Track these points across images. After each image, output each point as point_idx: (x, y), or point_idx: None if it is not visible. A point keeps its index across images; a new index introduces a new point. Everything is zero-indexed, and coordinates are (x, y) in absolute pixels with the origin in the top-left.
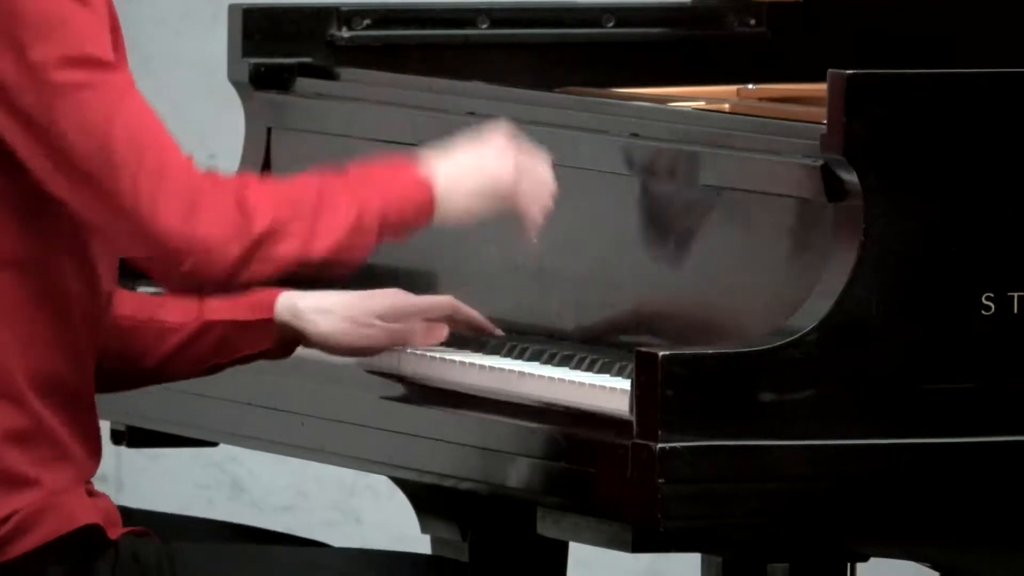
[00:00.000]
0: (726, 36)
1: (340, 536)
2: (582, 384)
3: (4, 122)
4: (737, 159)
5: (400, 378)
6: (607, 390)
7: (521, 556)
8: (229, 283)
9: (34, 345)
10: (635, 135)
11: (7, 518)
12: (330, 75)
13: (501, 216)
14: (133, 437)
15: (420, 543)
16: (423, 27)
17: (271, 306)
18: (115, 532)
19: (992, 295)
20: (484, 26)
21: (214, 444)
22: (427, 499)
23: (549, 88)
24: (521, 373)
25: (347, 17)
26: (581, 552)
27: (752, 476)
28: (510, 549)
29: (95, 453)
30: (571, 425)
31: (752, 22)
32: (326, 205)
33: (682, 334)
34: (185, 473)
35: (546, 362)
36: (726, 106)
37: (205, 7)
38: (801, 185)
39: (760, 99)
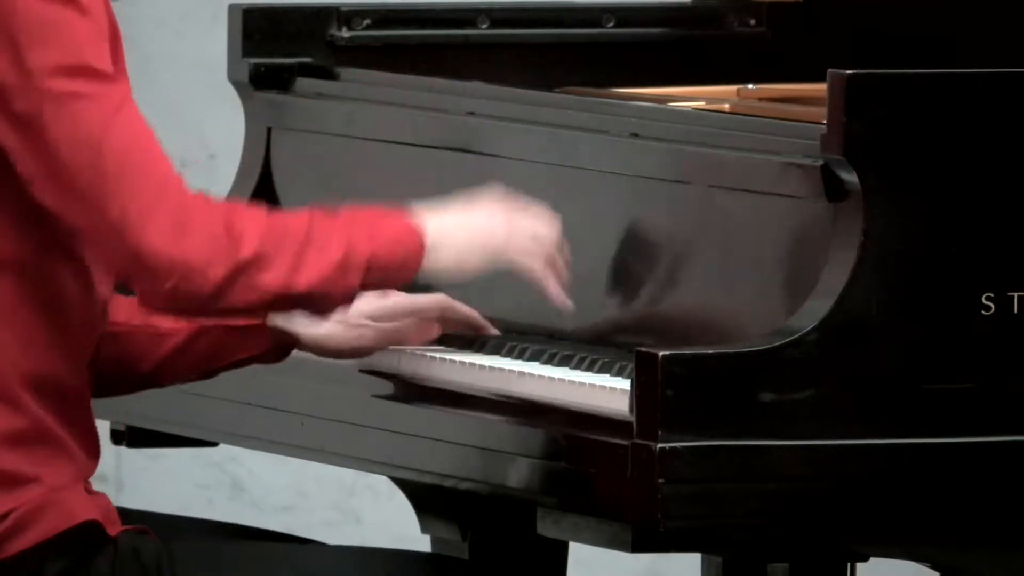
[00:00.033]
0: (726, 36)
1: (340, 536)
2: (582, 384)
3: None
4: (737, 159)
5: (400, 378)
6: (607, 390)
7: (521, 556)
8: (211, 306)
9: (32, 347)
10: (635, 135)
11: (6, 515)
12: (330, 75)
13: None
14: (133, 437)
15: (420, 543)
16: (423, 27)
17: None
18: (114, 529)
19: (992, 295)
20: (484, 26)
21: (214, 444)
22: (427, 499)
23: (549, 88)
24: (521, 373)
25: (347, 17)
26: (581, 552)
27: (752, 476)
28: (510, 549)
29: (94, 452)
30: (571, 425)
31: (752, 22)
32: (315, 239)
33: (682, 334)
34: (185, 473)
35: (546, 362)
36: (726, 106)
37: (205, 7)
38: (801, 185)
39: (760, 99)
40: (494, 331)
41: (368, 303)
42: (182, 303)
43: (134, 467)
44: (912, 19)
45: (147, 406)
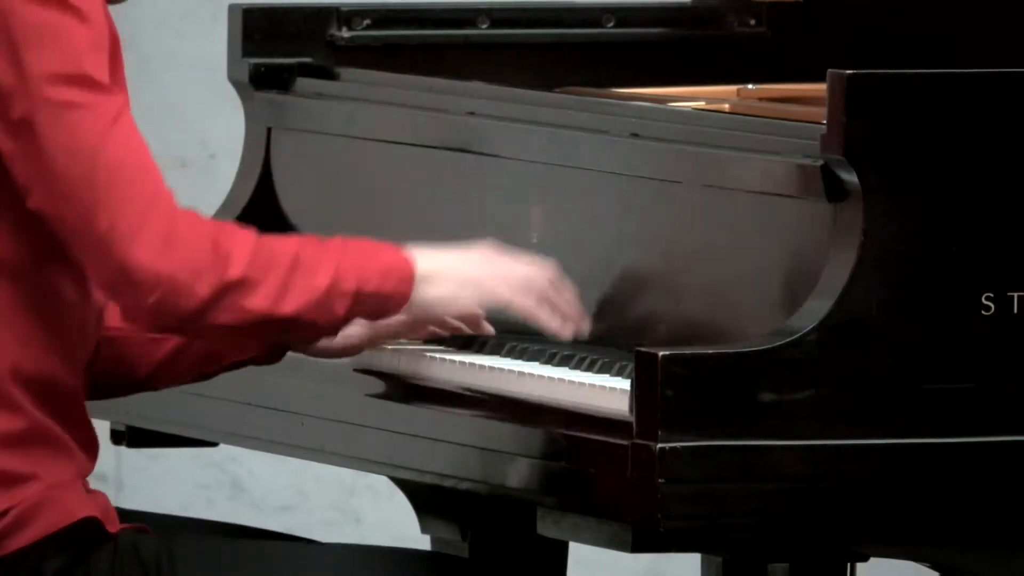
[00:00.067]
0: (726, 36)
1: (340, 536)
2: (582, 384)
3: None
4: (737, 159)
5: (400, 378)
6: (607, 390)
7: (521, 556)
8: (193, 323)
9: (30, 350)
10: (635, 135)
11: (5, 512)
12: (330, 75)
13: (501, 216)
14: (133, 437)
15: (420, 543)
16: (423, 27)
17: None
18: (113, 527)
19: (992, 295)
20: (484, 26)
21: (214, 444)
22: (427, 499)
23: (549, 88)
24: (521, 373)
25: (347, 17)
26: (581, 552)
27: (752, 476)
28: (510, 549)
29: (92, 451)
30: (571, 425)
31: (752, 22)
32: (302, 265)
33: (682, 334)
34: (185, 473)
35: (546, 362)
36: (726, 106)
37: (205, 7)
38: (801, 185)
39: (760, 99)
40: (490, 329)
41: None
42: (165, 319)
43: (134, 467)
44: (912, 19)
45: (147, 406)
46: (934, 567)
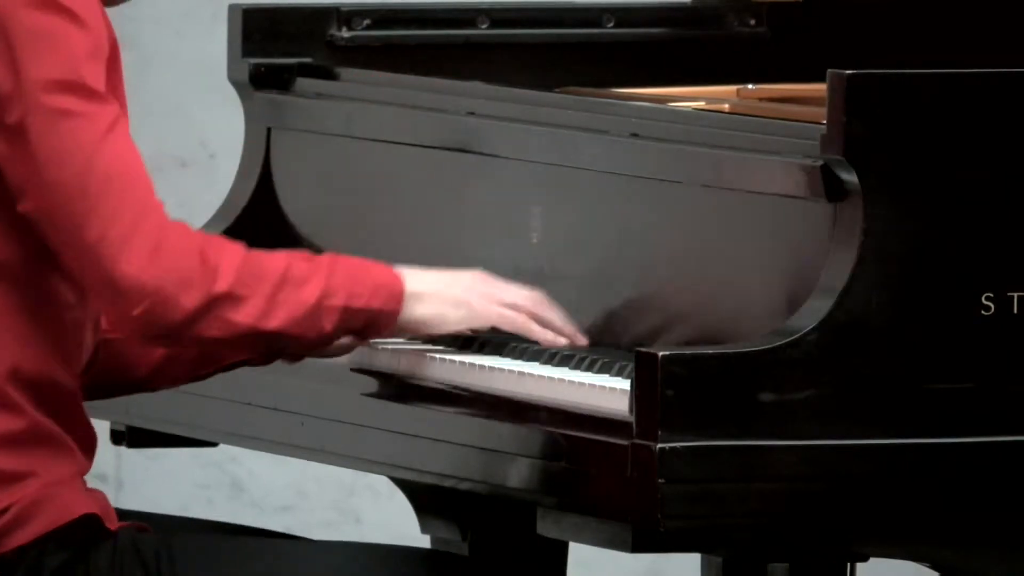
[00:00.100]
0: (726, 36)
1: (340, 536)
2: (582, 384)
3: None
4: (737, 159)
5: (399, 378)
6: (607, 390)
7: (521, 556)
8: (179, 335)
9: (28, 351)
10: (635, 135)
11: (5, 510)
12: (330, 75)
13: (501, 216)
14: (133, 437)
15: (420, 543)
16: (423, 27)
17: None
18: (113, 525)
19: (992, 295)
20: (484, 26)
21: (214, 444)
22: (427, 499)
23: (549, 88)
24: (521, 373)
25: (347, 17)
26: (581, 552)
27: (752, 476)
28: (510, 549)
29: (90, 451)
30: (571, 425)
31: (752, 22)
32: (290, 280)
33: (682, 334)
34: (185, 473)
35: (546, 362)
36: (726, 106)
37: (205, 7)
38: (801, 185)
39: (760, 99)
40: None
41: None
42: (151, 329)
43: (134, 467)
44: (912, 19)
45: (147, 406)
46: (934, 567)
